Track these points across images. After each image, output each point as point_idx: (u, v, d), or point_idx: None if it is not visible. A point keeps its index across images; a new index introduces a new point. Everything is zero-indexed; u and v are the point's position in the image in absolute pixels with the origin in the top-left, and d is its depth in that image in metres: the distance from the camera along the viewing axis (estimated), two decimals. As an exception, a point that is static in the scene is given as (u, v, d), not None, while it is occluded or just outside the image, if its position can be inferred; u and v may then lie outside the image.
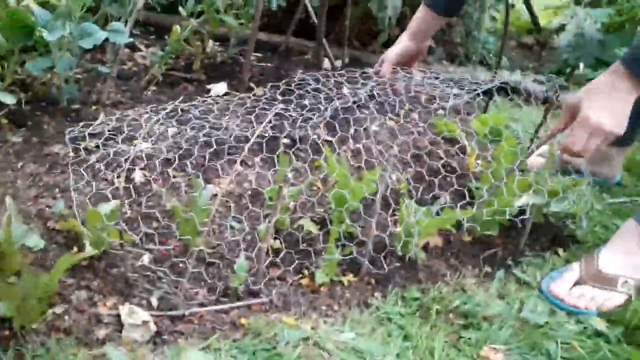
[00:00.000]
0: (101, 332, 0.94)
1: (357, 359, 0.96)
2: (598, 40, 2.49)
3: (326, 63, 2.08)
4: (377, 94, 1.36)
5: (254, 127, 1.17)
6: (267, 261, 1.08)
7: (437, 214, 1.25)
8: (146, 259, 1.11)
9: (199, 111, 1.26)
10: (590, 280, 1.18)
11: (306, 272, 1.14)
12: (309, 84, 1.26)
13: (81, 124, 1.21)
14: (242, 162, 1.41)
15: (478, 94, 1.31)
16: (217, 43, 2.21)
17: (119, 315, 0.97)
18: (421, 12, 1.49)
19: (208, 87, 1.85)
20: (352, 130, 1.52)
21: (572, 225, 1.42)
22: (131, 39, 1.95)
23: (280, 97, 1.21)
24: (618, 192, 1.64)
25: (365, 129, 1.56)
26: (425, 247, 1.26)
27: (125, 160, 1.00)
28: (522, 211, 1.27)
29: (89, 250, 1.04)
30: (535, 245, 1.35)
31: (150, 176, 1.30)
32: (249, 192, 1.33)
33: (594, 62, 2.45)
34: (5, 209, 0.98)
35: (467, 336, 1.04)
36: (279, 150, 1.19)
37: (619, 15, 2.65)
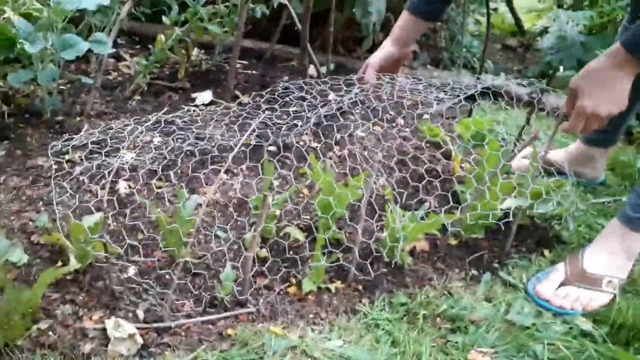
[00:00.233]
0: (87, 347, 0.93)
1: (345, 366, 0.96)
2: (580, 42, 2.52)
3: (311, 69, 2.09)
4: (359, 101, 1.37)
5: (238, 136, 1.17)
6: (254, 270, 1.08)
7: (423, 218, 1.26)
8: (131, 271, 1.10)
9: (183, 121, 1.26)
10: (575, 281, 1.20)
11: (293, 280, 1.14)
12: (293, 92, 1.26)
13: (64, 136, 1.20)
14: (227, 171, 1.41)
15: (460, 100, 1.31)
16: (202, 51, 2.22)
17: (104, 329, 0.96)
18: (404, 17, 1.50)
19: (193, 95, 1.85)
20: (337, 137, 1.52)
21: (557, 226, 1.44)
22: (115, 49, 1.95)
23: (264, 106, 1.21)
24: (602, 192, 1.66)
25: (350, 135, 1.57)
26: (412, 252, 1.27)
27: (109, 172, 1.00)
28: (507, 214, 1.28)
29: (73, 264, 1.03)
30: (521, 247, 1.36)
31: (135, 187, 1.29)
32: (234, 201, 1.33)
33: (576, 64, 2.48)
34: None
35: (454, 340, 1.05)
36: (264, 159, 1.19)
37: (600, 17, 2.69)
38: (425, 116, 1.87)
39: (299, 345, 0.98)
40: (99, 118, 1.62)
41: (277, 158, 1.45)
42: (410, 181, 1.41)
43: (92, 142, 1.31)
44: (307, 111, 1.28)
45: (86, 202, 1.20)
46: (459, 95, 1.31)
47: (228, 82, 1.77)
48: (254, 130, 1.06)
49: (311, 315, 1.07)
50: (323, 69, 2.03)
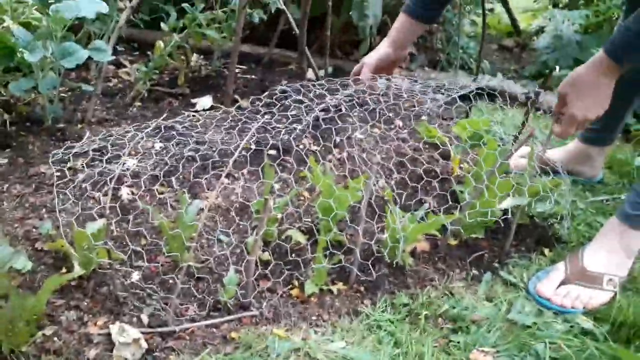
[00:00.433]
0: (92, 352, 0.94)
1: (348, 367, 0.97)
2: (576, 41, 2.54)
3: (310, 73, 2.10)
4: (357, 103, 1.38)
5: (238, 141, 1.18)
6: (256, 274, 1.09)
7: (423, 219, 1.27)
8: (135, 276, 1.11)
9: (183, 127, 1.27)
10: (575, 279, 1.20)
11: (296, 282, 1.15)
12: (291, 96, 1.27)
13: (66, 144, 1.21)
14: (228, 176, 1.42)
15: (455, 100, 1.33)
16: (201, 57, 2.23)
17: (109, 334, 0.97)
18: (400, 19, 1.51)
19: (193, 101, 1.86)
20: (336, 140, 1.53)
21: (556, 225, 1.45)
22: (115, 56, 1.96)
23: (263, 110, 1.22)
24: (600, 190, 1.67)
25: (349, 138, 1.58)
26: (413, 253, 1.28)
27: (111, 179, 1.01)
28: (506, 213, 1.29)
29: (77, 270, 1.04)
30: (521, 246, 1.37)
31: (137, 193, 1.30)
32: (236, 206, 1.34)
33: (572, 62, 2.49)
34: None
35: (456, 340, 1.06)
36: (264, 163, 1.20)
37: (595, 16, 2.71)
38: (423, 117, 1.89)
39: (302, 347, 0.99)
40: (100, 125, 1.63)
41: (277, 162, 1.46)
42: (409, 182, 1.42)
43: (94, 150, 1.32)
44: (305, 114, 1.29)
45: (89, 209, 1.21)
46: (454, 96, 1.33)
47: (227, 87, 1.78)
48: (253, 135, 1.06)
49: (314, 317, 1.08)
50: (321, 73, 2.05)
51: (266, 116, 1.20)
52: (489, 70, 2.65)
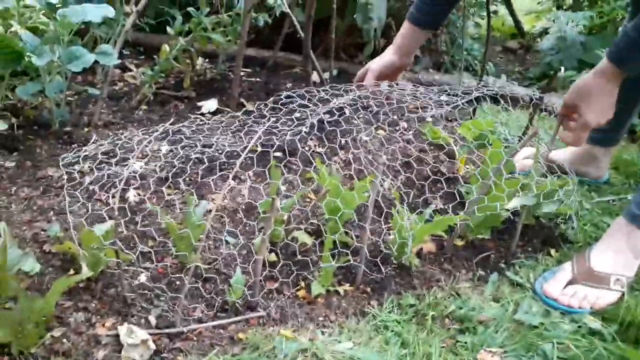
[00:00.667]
0: (100, 354, 0.94)
1: (355, 368, 0.97)
2: (580, 42, 2.54)
3: (314, 76, 2.10)
4: (361, 107, 1.39)
5: (245, 143, 1.19)
6: (264, 274, 1.09)
7: (430, 219, 1.27)
8: (143, 277, 1.11)
9: (190, 130, 1.28)
10: (582, 280, 1.20)
11: (303, 283, 1.15)
12: (296, 100, 1.28)
13: (73, 147, 1.22)
14: (235, 177, 1.42)
15: (458, 105, 1.33)
16: (206, 60, 2.24)
17: (117, 336, 0.97)
18: (405, 27, 1.54)
19: (199, 104, 1.87)
20: (342, 141, 1.54)
21: (563, 226, 1.45)
22: (121, 60, 1.98)
23: (268, 114, 1.23)
24: (606, 190, 1.67)
25: (354, 140, 1.58)
26: (419, 253, 1.28)
27: (119, 180, 1.01)
28: (513, 213, 1.29)
29: (86, 272, 1.04)
30: (527, 246, 1.37)
31: (145, 195, 1.31)
32: (243, 207, 1.34)
33: (576, 64, 2.49)
34: None
35: (463, 340, 1.05)
36: (271, 164, 1.20)
37: (599, 17, 2.71)
38: (428, 119, 1.89)
39: (309, 348, 0.99)
40: (107, 128, 1.65)
41: (283, 163, 1.47)
42: (415, 182, 1.42)
43: (102, 153, 1.33)
44: (310, 117, 1.30)
45: (97, 211, 1.21)
46: (462, 97, 1.33)
47: (233, 90, 1.79)
48: (260, 137, 1.07)
49: (321, 318, 1.08)
50: (326, 75, 2.05)
51: (272, 119, 1.21)
52: (493, 72, 2.66)
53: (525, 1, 3.65)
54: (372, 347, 1.02)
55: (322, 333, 1.04)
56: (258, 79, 2.17)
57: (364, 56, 2.41)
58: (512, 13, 3.30)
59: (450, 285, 1.20)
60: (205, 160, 1.36)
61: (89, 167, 1.36)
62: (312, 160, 1.45)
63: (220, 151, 1.28)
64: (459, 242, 1.33)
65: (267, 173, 1.21)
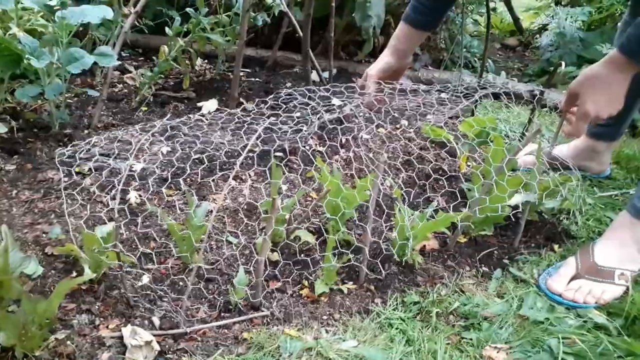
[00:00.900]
0: (104, 356, 0.94)
1: (360, 366, 0.97)
2: (579, 38, 2.53)
3: (314, 75, 2.10)
4: (363, 112, 1.38)
5: (245, 142, 1.19)
6: (266, 274, 1.09)
7: (432, 217, 1.26)
8: (145, 279, 1.11)
9: (188, 127, 1.27)
10: (586, 274, 1.20)
11: (305, 282, 1.15)
12: (296, 98, 1.27)
13: (70, 145, 1.22)
14: (236, 177, 1.42)
15: (456, 107, 1.32)
16: (205, 61, 2.24)
17: (121, 337, 0.97)
18: (401, 27, 1.49)
19: (199, 104, 1.86)
20: (342, 140, 1.53)
21: (566, 221, 1.44)
22: (120, 62, 1.97)
23: (268, 112, 1.22)
24: (608, 185, 1.67)
25: (355, 138, 1.58)
26: (422, 251, 1.27)
27: (119, 181, 1.01)
28: (515, 209, 1.29)
29: (88, 274, 1.04)
30: (531, 242, 1.36)
31: (145, 196, 1.30)
32: (244, 207, 1.34)
33: (575, 59, 2.49)
34: (1, 238, 0.99)
35: (468, 337, 1.05)
36: (271, 163, 1.20)
37: (598, 12, 2.71)
38: (429, 117, 1.88)
39: (314, 347, 0.99)
40: (107, 130, 1.64)
41: (284, 162, 1.46)
42: (417, 180, 1.41)
43: (101, 154, 1.32)
44: (310, 115, 1.29)
45: (98, 212, 1.21)
46: (458, 108, 1.32)
47: (232, 90, 1.78)
48: (259, 136, 1.07)
49: (325, 317, 1.07)
50: (325, 74, 2.05)
51: (272, 118, 1.20)
52: (493, 69, 2.65)
53: (524, -2, 3.65)
54: (377, 345, 1.02)
55: (327, 331, 1.04)
56: (257, 79, 2.17)
57: (363, 54, 2.41)
58: (510, 10, 3.29)
59: (454, 282, 1.19)
60: (205, 160, 1.35)
61: (88, 168, 1.35)
62: (313, 159, 1.45)
63: (220, 151, 1.28)
64: (462, 239, 1.33)
65: (267, 172, 1.20)
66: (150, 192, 1.31)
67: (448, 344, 1.03)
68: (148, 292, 1.08)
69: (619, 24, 1.76)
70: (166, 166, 1.41)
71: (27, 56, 1.41)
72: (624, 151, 1.83)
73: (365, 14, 2.19)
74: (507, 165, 1.23)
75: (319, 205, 1.33)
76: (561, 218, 1.45)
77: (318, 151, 1.56)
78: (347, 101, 1.41)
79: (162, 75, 1.95)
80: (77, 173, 1.37)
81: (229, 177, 1.03)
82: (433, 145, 1.70)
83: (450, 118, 1.97)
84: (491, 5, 3.02)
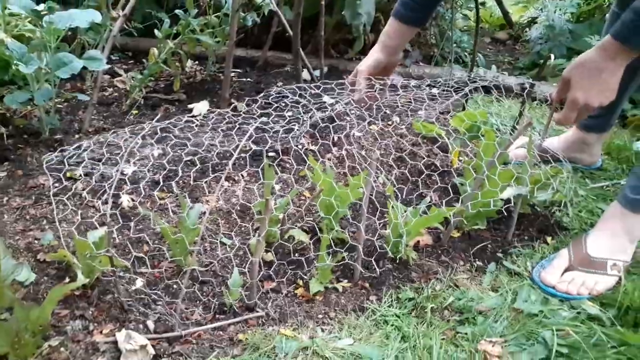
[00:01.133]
0: (99, 360, 0.94)
1: (356, 363, 0.97)
2: (568, 30, 2.54)
3: (305, 74, 2.10)
4: (354, 109, 1.38)
5: (236, 143, 1.18)
6: (261, 275, 1.08)
7: (425, 212, 1.27)
8: (139, 283, 1.11)
9: (179, 129, 1.27)
10: (579, 266, 1.20)
11: (300, 282, 1.15)
12: (287, 97, 1.27)
13: (59, 150, 1.21)
14: (228, 178, 1.42)
15: (450, 99, 1.32)
16: (196, 62, 2.23)
17: (116, 342, 0.96)
18: (390, 23, 1.48)
19: (190, 106, 1.86)
20: (335, 138, 1.53)
21: (558, 213, 1.45)
22: (110, 65, 1.96)
23: (259, 111, 1.22)
24: (600, 176, 1.68)
25: (347, 136, 1.58)
26: (416, 247, 1.28)
27: (110, 186, 1.01)
28: (507, 203, 1.29)
29: (81, 279, 1.03)
30: (524, 235, 1.37)
31: (137, 200, 1.30)
32: (237, 208, 1.34)
33: (565, 52, 2.50)
34: (-7, 245, 0.98)
35: (463, 331, 1.05)
36: (264, 163, 1.20)
37: (587, 4, 2.72)
38: (420, 112, 1.89)
39: (309, 346, 0.99)
40: (98, 134, 1.63)
41: (276, 162, 1.46)
42: (409, 177, 1.42)
43: (92, 159, 1.32)
44: (302, 114, 1.29)
45: (90, 217, 1.21)
46: (448, 103, 1.33)
47: (223, 91, 1.78)
48: (251, 136, 1.06)
49: (320, 316, 1.08)
50: (316, 73, 2.05)
51: (263, 117, 1.20)
52: (483, 63, 2.66)
53: (513, -9, 3.66)
54: (373, 342, 1.02)
55: (322, 330, 1.04)
56: (249, 79, 2.16)
57: (354, 52, 2.41)
58: (500, 4, 3.29)
59: (449, 277, 1.20)
60: (197, 161, 1.35)
61: (79, 174, 1.34)
62: (306, 158, 1.45)
63: (211, 152, 1.27)
64: (455, 234, 1.33)
65: (260, 173, 1.20)
66: (142, 195, 1.30)
67: (443, 339, 1.04)
68: (142, 296, 1.07)
69: (607, 15, 1.76)
70: (158, 169, 1.40)
71: (15, 62, 1.40)
72: (615, 142, 1.84)
73: (355, 11, 2.18)
74: (498, 159, 1.24)
75: (312, 204, 1.33)
76: (553, 210, 1.45)
77: (310, 150, 1.56)
78: (339, 99, 1.41)
79: (153, 78, 1.94)
80: (69, 178, 1.36)
81: (221, 178, 1.03)
82: (425, 141, 1.70)
83: (442, 113, 1.97)
84: (480, -1, 3.02)
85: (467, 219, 1.31)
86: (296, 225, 1.27)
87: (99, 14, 1.53)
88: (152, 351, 0.95)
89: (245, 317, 1.05)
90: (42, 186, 1.35)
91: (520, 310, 1.11)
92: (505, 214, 1.36)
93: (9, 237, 1.17)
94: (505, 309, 1.11)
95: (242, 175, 1.44)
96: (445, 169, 1.53)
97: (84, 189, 1.29)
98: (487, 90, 2.11)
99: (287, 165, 1.49)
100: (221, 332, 1.02)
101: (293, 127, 1.33)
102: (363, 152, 1.54)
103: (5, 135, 1.54)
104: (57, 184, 1.31)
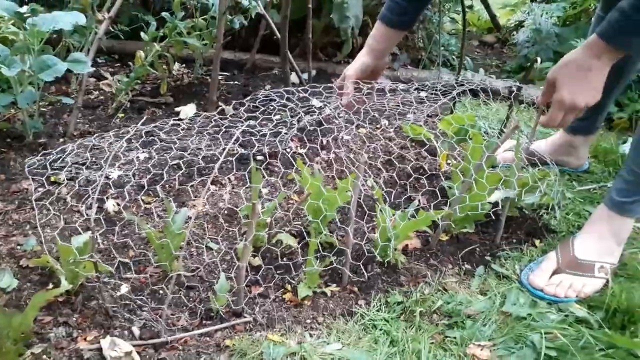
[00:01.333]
0: (82, 368, 0.92)
1: (345, 369, 0.96)
2: (555, 34, 2.56)
3: (293, 77, 2.09)
4: (343, 113, 1.37)
5: (223, 146, 1.17)
6: (248, 280, 1.07)
7: (413, 216, 1.26)
8: (124, 288, 1.09)
9: (165, 133, 1.26)
10: (567, 268, 1.21)
11: (288, 286, 1.14)
12: (275, 100, 1.26)
13: (41, 154, 1.19)
14: (215, 182, 1.40)
15: (437, 103, 1.32)
16: (183, 65, 2.22)
17: (100, 349, 0.95)
18: (377, 27, 1.48)
19: (177, 109, 1.84)
20: (323, 141, 1.53)
21: (545, 216, 1.45)
22: (95, 68, 1.94)
23: (246, 114, 1.21)
24: (587, 179, 1.69)
25: (335, 139, 1.57)
26: (405, 250, 1.27)
27: (94, 190, 0.99)
28: (495, 206, 1.30)
29: (64, 285, 1.02)
30: (512, 238, 1.37)
31: (122, 204, 1.28)
32: (224, 212, 1.32)
33: (552, 55, 2.52)
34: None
35: (452, 335, 1.05)
36: (251, 166, 1.19)
37: (572, 8, 2.74)
38: (409, 115, 1.89)
39: (297, 352, 0.98)
40: (83, 138, 1.61)
41: (264, 166, 1.45)
42: (397, 180, 1.41)
43: (75, 163, 1.30)
44: (290, 118, 1.29)
45: (74, 222, 1.18)
46: (436, 105, 1.33)
47: (211, 94, 1.77)
48: (238, 139, 1.05)
49: (308, 320, 1.07)
50: (305, 76, 2.04)
51: (250, 121, 1.19)
52: (471, 66, 2.67)
53: (500, -5, 3.69)
54: (361, 346, 1.01)
55: (310, 335, 1.03)
56: (236, 82, 2.15)
57: (342, 55, 2.41)
58: (487, 7, 3.33)
59: (437, 280, 1.19)
60: (183, 165, 1.34)
61: (63, 178, 1.32)
62: (294, 162, 1.44)
63: (198, 156, 1.26)
64: (444, 237, 1.33)
65: (247, 176, 1.19)
66: (127, 200, 1.28)
67: (432, 343, 1.03)
68: (127, 302, 1.06)
69: (592, 19, 1.78)
70: (143, 173, 1.39)
71: (-3, 65, 1.38)
72: (601, 145, 1.86)
73: (343, 15, 2.18)
74: (486, 162, 1.24)
75: (300, 208, 1.32)
76: (541, 213, 1.46)
77: (298, 153, 1.55)
78: (327, 102, 1.40)
79: (139, 81, 1.92)
80: (53, 182, 1.34)
81: (207, 182, 1.02)
82: (413, 144, 1.70)
83: (430, 116, 1.97)
84: (468, 2, 3.05)
85: (455, 222, 1.31)
86: (284, 230, 1.26)
87: (83, 16, 1.51)
88: (137, 358, 0.94)
89: (232, 323, 1.03)
90: (26, 191, 1.33)
91: (509, 314, 1.11)
92: (494, 217, 1.36)
93: (-9, 243, 1.15)
94: (493, 312, 1.11)
95: (229, 179, 1.43)
96: (434, 172, 1.53)
97: (68, 194, 1.27)
98: (474, 93, 2.12)
99: (275, 169, 1.48)
100: (208, 338, 1.00)
101: (281, 130, 1.32)
102: (351, 156, 1.53)
103: (-13, 139, 1.52)
104: (40, 189, 1.28)
